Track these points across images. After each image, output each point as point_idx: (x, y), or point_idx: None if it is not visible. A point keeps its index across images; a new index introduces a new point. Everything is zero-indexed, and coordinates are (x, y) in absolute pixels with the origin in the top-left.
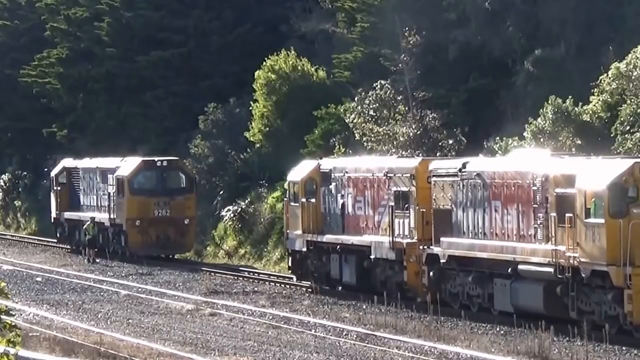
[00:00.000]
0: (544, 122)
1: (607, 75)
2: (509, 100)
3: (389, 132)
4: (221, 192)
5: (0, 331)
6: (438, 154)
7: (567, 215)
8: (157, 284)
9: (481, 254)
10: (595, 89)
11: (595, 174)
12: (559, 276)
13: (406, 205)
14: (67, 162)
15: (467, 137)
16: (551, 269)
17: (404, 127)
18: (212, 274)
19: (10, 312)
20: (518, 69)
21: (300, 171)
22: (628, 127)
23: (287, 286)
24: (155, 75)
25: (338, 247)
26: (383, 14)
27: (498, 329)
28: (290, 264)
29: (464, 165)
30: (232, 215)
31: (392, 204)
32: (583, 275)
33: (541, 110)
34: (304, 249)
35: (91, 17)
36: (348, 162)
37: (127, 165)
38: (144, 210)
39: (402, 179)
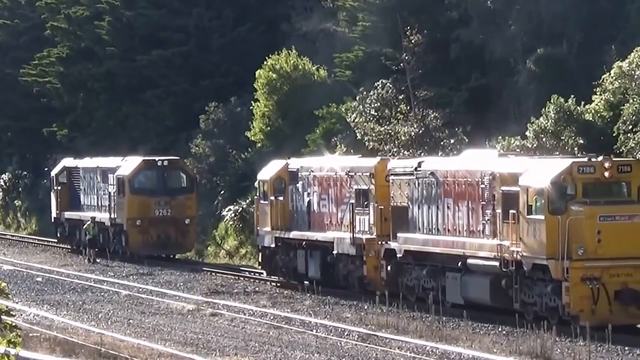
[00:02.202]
0: (546, 121)
1: (610, 74)
2: (511, 99)
3: (390, 131)
4: (222, 192)
5: (0, 331)
6: (440, 154)
7: (511, 211)
8: (157, 284)
9: (434, 248)
10: (598, 88)
11: (537, 172)
12: (504, 270)
13: (366, 203)
14: (68, 161)
15: (469, 136)
16: (496, 263)
17: (406, 127)
18: (213, 274)
19: (11, 312)
20: (520, 68)
21: (269, 170)
22: (631, 127)
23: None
24: (155, 75)
25: (304, 243)
26: (384, 13)
27: (500, 329)
28: (260, 260)
29: (419, 165)
30: (233, 215)
31: (353, 201)
32: (525, 269)
33: (543, 109)
34: (273, 245)
35: (91, 16)
36: (314, 162)
37: (127, 164)
38: (145, 210)
39: (362, 178)
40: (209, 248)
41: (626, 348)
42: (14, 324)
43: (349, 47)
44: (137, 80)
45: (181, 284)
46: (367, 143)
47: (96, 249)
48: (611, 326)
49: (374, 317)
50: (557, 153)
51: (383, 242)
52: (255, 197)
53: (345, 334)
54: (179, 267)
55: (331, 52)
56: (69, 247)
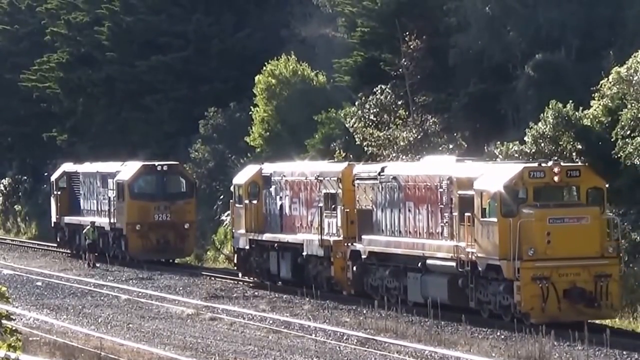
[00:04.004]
0: (545, 126)
1: (608, 79)
2: (509, 105)
3: (389, 136)
4: (221, 197)
5: (0, 336)
6: None
7: (467, 214)
8: (157, 288)
9: (396, 250)
10: (596, 94)
11: (490, 177)
12: (460, 270)
13: (334, 206)
14: (67, 166)
15: (468, 141)
16: (453, 264)
17: (405, 132)
18: (213, 278)
19: (11, 316)
20: (518, 74)
21: (244, 175)
22: (629, 132)
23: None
24: (155, 80)
25: (276, 245)
26: (383, 19)
27: (499, 334)
28: (235, 261)
29: (382, 170)
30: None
31: (322, 205)
32: (480, 269)
33: (542, 114)
34: (247, 247)
35: (91, 21)
36: (286, 167)
37: (127, 169)
38: (144, 215)
39: (330, 182)
40: (208, 252)
41: (624, 352)
42: (14, 328)
43: (348, 52)
44: (137, 85)
45: (180, 288)
46: (366, 148)
47: (96, 254)
48: (609, 330)
49: (373, 322)
50: (556, 158)
51: (349, 244)
52: (231, 200)
53: (344, 338)
54: (178, 272)
55: (330, 58)
56: (68, 251)
